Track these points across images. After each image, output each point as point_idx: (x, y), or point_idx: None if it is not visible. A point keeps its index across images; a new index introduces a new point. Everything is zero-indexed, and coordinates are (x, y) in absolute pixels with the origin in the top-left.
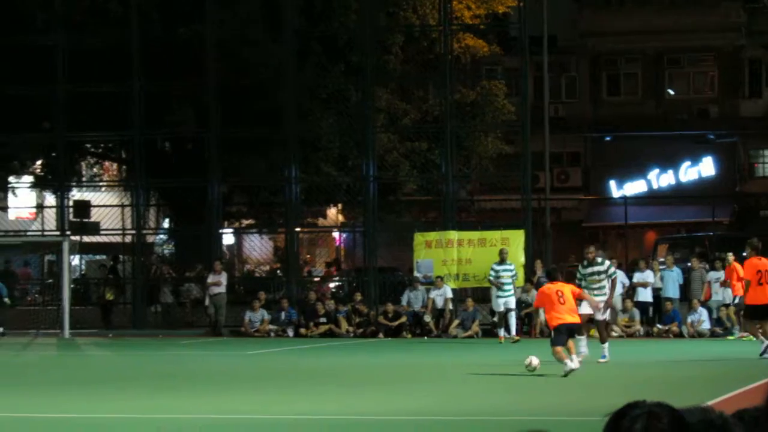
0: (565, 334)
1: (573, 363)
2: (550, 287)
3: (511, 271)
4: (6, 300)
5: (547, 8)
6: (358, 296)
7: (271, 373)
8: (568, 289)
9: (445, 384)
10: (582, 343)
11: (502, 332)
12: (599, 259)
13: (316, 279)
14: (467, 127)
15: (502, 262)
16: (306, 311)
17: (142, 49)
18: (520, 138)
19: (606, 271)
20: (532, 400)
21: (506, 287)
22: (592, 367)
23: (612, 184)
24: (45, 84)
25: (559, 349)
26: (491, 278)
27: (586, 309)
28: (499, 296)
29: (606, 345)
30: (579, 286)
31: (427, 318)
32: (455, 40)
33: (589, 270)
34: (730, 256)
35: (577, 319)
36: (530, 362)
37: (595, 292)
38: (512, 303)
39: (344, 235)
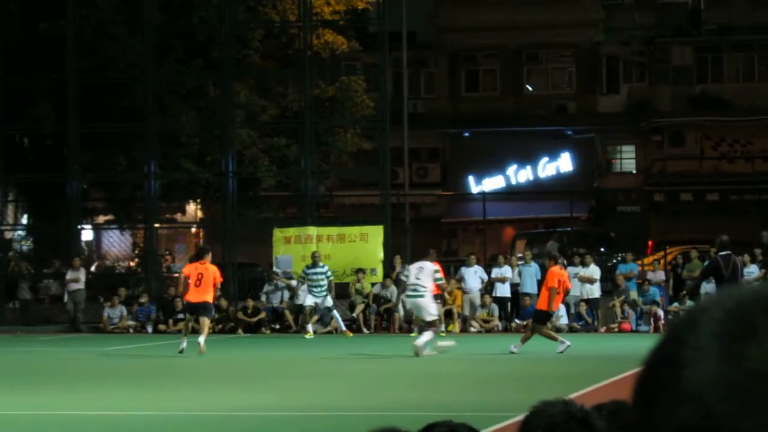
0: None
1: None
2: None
3: (323, 273)
4: None
5: (406, 4)
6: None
7: (128, 370)
8: None
9: (295, 380)
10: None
11: (309, 327)
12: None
13: (176, 275)
14: (326, 122)
15: (314, 265)
16: (165, 307)
17: (2, 43)
18: (378, 134)
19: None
20: (380, 395)
21: (318, 289)
22: (445, 361)
23: (471, 179)
24: None
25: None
26: (299, 280)
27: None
28: (313, 295)
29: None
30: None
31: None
32: (315, 36)
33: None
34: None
35: None
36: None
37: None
38: (329, 302)
39: (204, 231)
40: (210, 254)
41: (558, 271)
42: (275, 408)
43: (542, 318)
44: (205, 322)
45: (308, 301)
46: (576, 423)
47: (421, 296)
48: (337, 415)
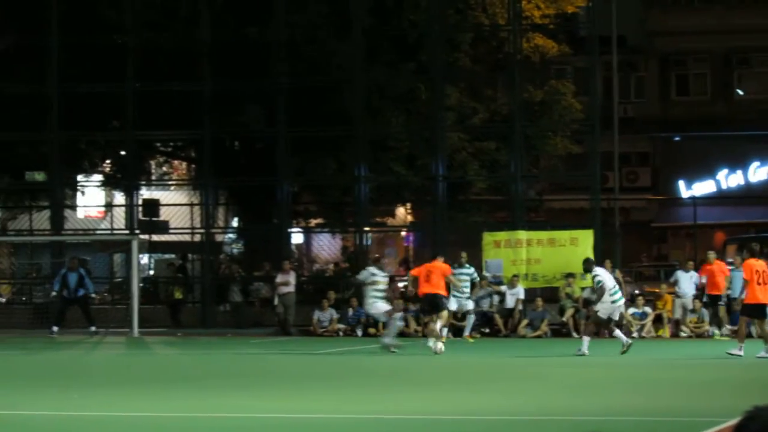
0: None
1: None
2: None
3: (468, 275)
4: (93, 295)
5: (616, 8)
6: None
7: (341, 372)
8: None
9: (512, 383)
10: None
11: (445, 331)
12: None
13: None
14: (536, 126)
15: (460, 266)
16: None
17: (211, 48)
18: (588, 138)
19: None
20: (594, 399)
21: (462, 290)
22: (657, 366)
23: (681, 184)
24: (115, 83)
25: None
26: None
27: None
28: (454, 296)
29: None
30: None
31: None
32: (524, 40)
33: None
34: None
35: None
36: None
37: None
38: (470, 305)
39: (413, 235)
40: (442, 257)
41: (754, 263)
42: (494, 411)
43: (760, 312)
44: (443, 314)
45: (452, 305)
46: None
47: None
48: (554, 420)
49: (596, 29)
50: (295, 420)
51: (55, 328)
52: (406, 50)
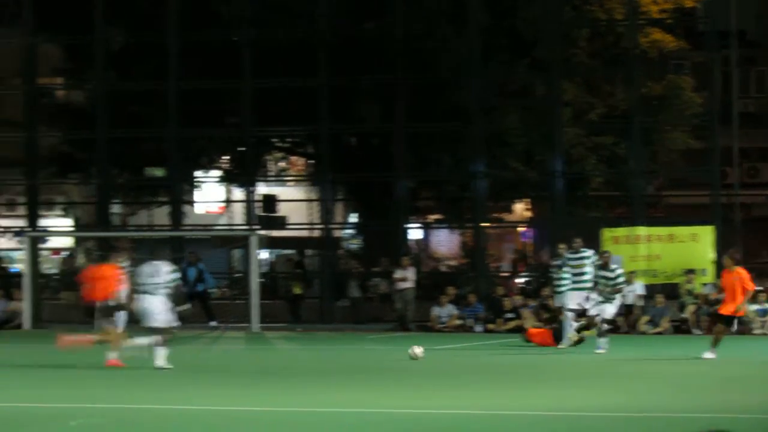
0: None
1: None
2: None
3: (587, 258)
4: (212, 290)
5: (735, 2)
6: (546, 291)
7: (462, 368)
8: None
9: (634, 380)
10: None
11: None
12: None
13: (504, 274)
14: (654, 121)
15: (603, 266)
16: (493, 306)
17: (329, 44)
18: (708, 133)
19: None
20: (715, 397)
21: (581, 277)
22: None
23: None
24: (232, 79)
25: None
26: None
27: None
28: (576, 288)
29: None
30: None
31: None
32: (642, 35)
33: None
34: None
35: None
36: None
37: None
38: (593, 296)
39: (530, 231)
40: None
41: None
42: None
43: None
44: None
45: (569, 301)
46: None
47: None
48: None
49: (715, 24)
50: (416, 415)
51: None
52: (523, 46)
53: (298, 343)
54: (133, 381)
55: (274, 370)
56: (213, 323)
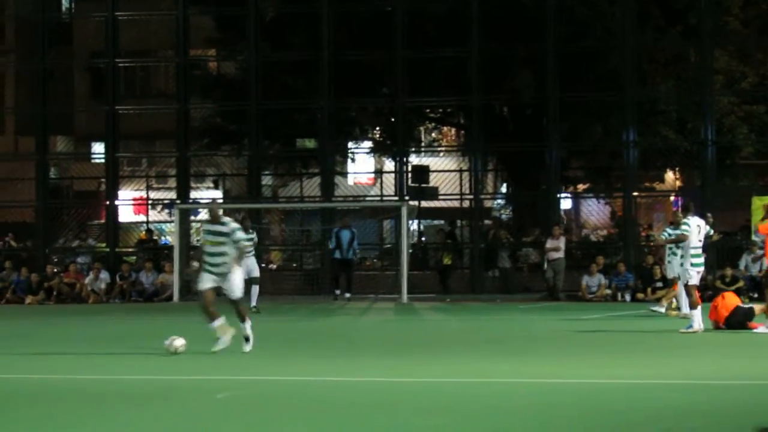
0: None
1: None
2: None
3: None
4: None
5: None
6: None
7: (610, 337)
8: None
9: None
10: None
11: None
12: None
13: (653, 243)
14: None
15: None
16: (643, 275)
17: (481, 12)
18: None
19: None
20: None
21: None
22: None
23: None
24: (384, 49)
25: None
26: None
27: None
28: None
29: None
30: None
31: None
32: None
33: None
34: None
35: None
36: (172, 344)
37: None
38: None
39: (681, 200)
40: None
41: None
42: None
43: None
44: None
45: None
46: None
47: None
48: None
49: None
50: (565, 385)
51: (338, 292)
52: (675, 14)
53: (448, 314)
54: (279, 353)
55: (422, 341)
56: (348, 295)
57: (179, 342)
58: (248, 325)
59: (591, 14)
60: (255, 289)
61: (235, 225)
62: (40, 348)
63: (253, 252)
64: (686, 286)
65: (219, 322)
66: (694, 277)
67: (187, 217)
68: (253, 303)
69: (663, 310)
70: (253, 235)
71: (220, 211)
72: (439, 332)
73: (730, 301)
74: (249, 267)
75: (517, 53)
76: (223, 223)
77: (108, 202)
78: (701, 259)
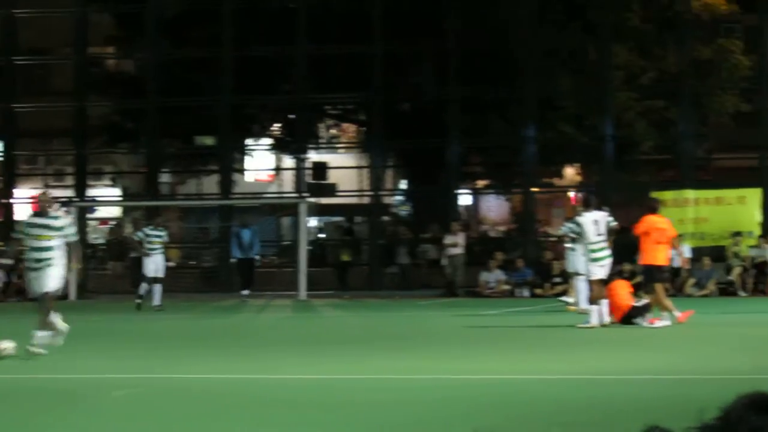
0: None
1: None
2: None
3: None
4: (257, 257)
5: None
6: None
7: (508, 333)
8: None
9: (680, 342)
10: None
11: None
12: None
13: (552, 239)
14: (705, 84)
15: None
16: (541, 271)
17: (381, 9)
18: (757, 96)
19: None
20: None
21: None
22: None
23: None
24: (285, 46)
25: None
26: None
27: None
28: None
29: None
30: None
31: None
32: None
33: None
34: None
35: None
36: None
37: None
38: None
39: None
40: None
41: None
42: (666, 371)
43: None
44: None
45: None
46: None
47: None
48: (721, 379)
49: None
50: (462, 381)
51: (246, 292)
52: (575, 9)
53: (346, 311)
54: (183, 351)
55: (320, 338)
56: (245, 292)
57: (7, 343)
58: (49, 329)
59: (491, 10)
60: (158, 288)
61: (67, 220)
62: None
63: (162, 250)
64: (589, 281)
65: (54, 317)
66: (596, 272)
67: (84, 214)
68: (156, 302)
69: (572, 300)
70: (163, 233)
71: (56, 205)
72: (337, 329)
73: (621, 291)
74: (157, 265)
75: (418, 50)
76: (54, 217)
77: (4, 200)
78: (602, 254)
